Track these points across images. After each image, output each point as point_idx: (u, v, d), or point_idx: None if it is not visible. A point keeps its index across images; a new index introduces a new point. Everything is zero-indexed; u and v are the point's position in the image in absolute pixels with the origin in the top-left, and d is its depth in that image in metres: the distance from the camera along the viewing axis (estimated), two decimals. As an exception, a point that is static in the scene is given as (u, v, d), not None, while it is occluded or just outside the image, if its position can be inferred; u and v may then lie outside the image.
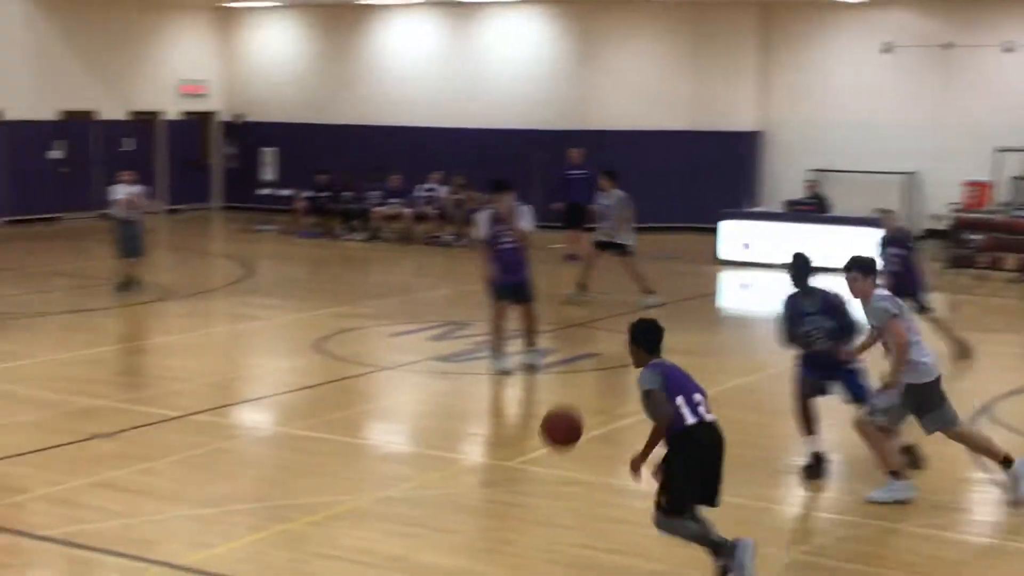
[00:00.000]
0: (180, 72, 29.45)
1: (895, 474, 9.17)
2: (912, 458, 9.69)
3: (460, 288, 19.97)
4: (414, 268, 22.34)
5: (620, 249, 17.64)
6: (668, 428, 7.43)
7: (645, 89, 26.61)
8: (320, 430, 11.16)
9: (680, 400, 7.44)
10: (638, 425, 11.14)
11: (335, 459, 10.40)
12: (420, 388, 13.28)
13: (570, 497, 9.45)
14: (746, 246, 21.78)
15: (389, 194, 25.13)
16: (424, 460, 10.52)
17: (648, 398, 7.48)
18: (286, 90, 29.69)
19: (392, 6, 28.08)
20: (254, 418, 12.01)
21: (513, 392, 13.06)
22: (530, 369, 13.38)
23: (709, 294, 20.32)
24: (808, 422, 9.80)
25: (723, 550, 7.48)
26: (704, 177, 25.86)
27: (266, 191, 29.00)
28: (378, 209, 25.14)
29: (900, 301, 9.39)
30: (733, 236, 22.09)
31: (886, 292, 9.42)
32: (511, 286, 13.27)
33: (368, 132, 28.33)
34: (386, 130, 28.12)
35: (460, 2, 27.14)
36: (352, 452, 10.73)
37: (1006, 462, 9.25)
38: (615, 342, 14.88)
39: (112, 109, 28.07)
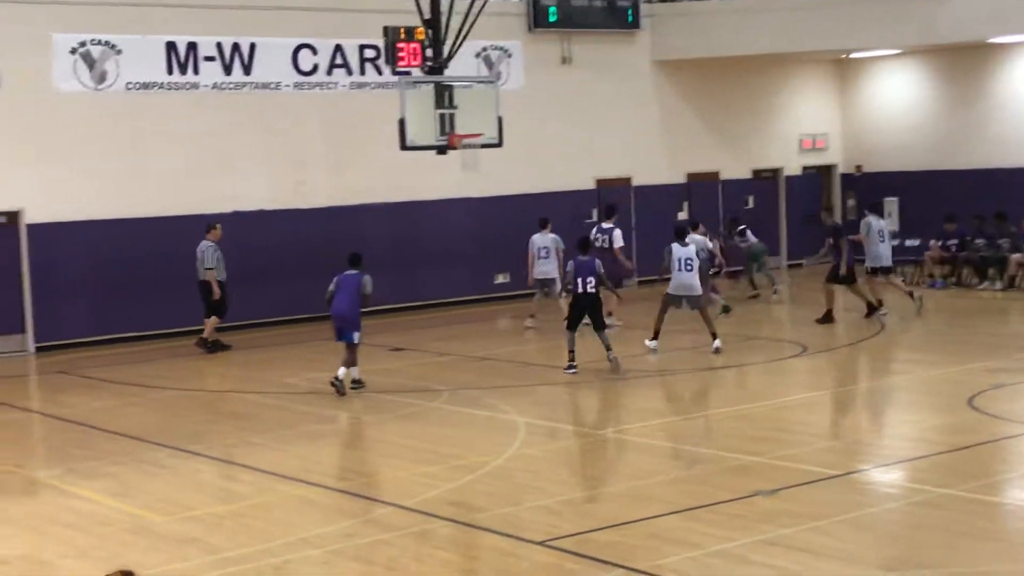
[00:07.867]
0: (801, 127, 29.66)
1: None
2: None
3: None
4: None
5: None
6: None
7: None
8: (988, 492, 10.48)
9: None
10: None
11: (1012, 523, 9.70)
12: (1094, 449, 12.17)
13: None
14: None
15: (1025, 239, 23.63)
16: (1116, 530, 9.54)
17: None
18: (906, 138, 28.91)
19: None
20: (913, 478, 11.50)
21: None
22: None
23: None
24: None
25: None
26: None
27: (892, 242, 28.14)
28: (1015, 256, 23.70)
29: None
30: None
31: None
32: None
33: (998, 175, 26.86)
34: (1019, 172, 26.54)
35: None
36: (1026, 517, 9.98)
37: None
38: None
39: (736, 168, 28.77)
